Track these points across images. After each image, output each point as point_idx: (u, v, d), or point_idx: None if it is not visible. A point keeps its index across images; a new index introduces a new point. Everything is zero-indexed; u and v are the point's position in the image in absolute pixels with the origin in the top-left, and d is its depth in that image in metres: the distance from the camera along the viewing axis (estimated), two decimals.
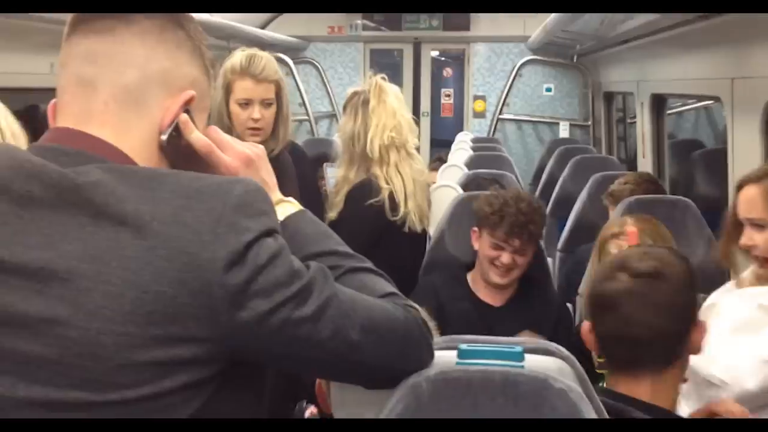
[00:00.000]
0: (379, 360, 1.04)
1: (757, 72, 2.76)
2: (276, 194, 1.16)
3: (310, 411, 2.39)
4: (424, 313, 1.83)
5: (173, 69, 1.04)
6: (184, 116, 1.05)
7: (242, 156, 1.12)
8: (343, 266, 1.10)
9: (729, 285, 1.97)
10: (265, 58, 2.56)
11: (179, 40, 1.05)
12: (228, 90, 2.51)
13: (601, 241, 2.45)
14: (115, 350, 0.89)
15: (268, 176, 1.15)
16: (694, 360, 1.68)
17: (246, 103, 2.50)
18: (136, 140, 1.01)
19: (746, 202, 1.86)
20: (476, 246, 2.57)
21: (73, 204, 0.92)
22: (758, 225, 1.83)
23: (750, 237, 1.84)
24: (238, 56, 2.53)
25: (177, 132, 1.04)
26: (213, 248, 0.91)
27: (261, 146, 1.18)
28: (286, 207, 1.15)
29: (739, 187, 1.91)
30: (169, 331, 0.90)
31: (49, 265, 0.90)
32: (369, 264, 1.14)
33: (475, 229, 2.58)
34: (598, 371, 1.96)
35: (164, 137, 1.03)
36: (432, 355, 1.13)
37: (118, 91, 1.01)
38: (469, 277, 2.60)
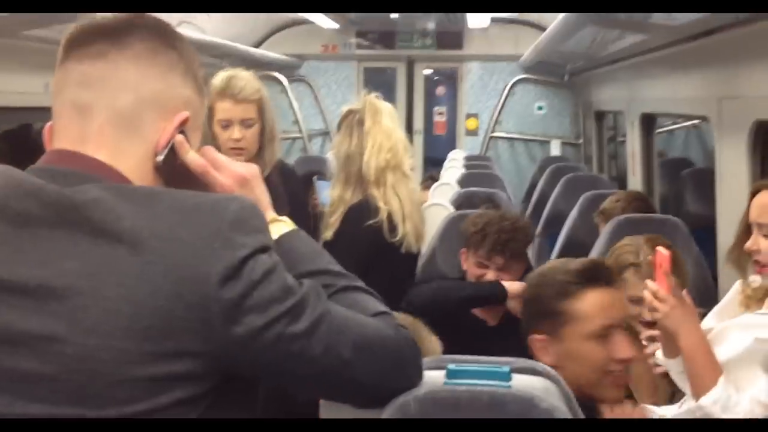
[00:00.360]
0: (370, 377, 1.06)
1: (744, 92, 2.79)
2: (270, 213, 1.17)
3: None
4: (422, 327, 1.86)
5: (166, 91, 1.06)
6: (180, 137, 1.06)
7: (237, 176, 1.14)
8: (335, 285, 1.11)
9: (737, 286, 1.94)
10: (246, 78, 2.55)
11: (171, 61, 1.07)
12: (210, 111, 2.52)
13: (617, 266, 2.27)
14: (113, 366, 0.90)
15: (262, 195, 1.17)
16: (706, 404, 1.69)
17: (226, 124, 2.52)
18: (131, 162, 1.03)
19: (759, 206, 1.86)
20: (464, 267, 2.59)
21: (71, 222, 0.94)
22: (766, 232, 1.83)
23: (755, 241, 1.84)
24: (219, 77, 2.54)
25: (172, 152, 1.06)
26: (209, 263, 0.93)
27: (255, 166, 1.19)
28: (280, 226, 1.17)
29: (754, 192, 1.92)
30: (165, 346, 0.91)
31: (47, 283, 0.92)
32: (360, 283, 1.15)
33: (464, 249, 2.60)
34: None
35: (160, 158, 1.05)
36: (420, 374, 1.14)
37: (113, 115, 1.02)
38: None
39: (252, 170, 1.17)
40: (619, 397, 1.69)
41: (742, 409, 1.68)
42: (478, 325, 2.52)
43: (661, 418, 1.77)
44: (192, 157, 1.09)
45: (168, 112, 1.05)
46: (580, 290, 1.69)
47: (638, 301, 2.09)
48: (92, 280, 0.91)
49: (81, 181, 0.98)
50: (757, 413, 1.67)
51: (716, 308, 1.95)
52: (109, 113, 1.02)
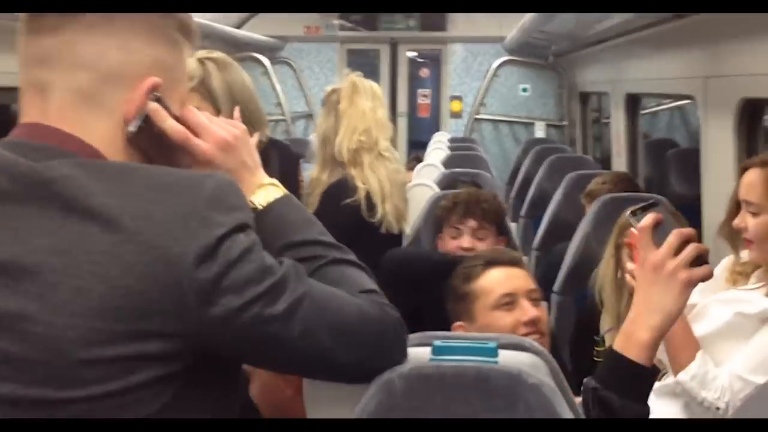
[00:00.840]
0: (349, 360, 1.03)
1: (731, 71, 2.78)
2: (259, 175, 1.13)
3: None
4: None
5: (129, 59, 0.99)
6: (154, 105, 1.01)
7: (219, 141, 1.09)
8: (325, 257, 1.08)
9: (724, 262, 1.96)
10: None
11: (132, 24, 0.99)
12: None
13: (620, 225, 2.37)
14: (82, 345, 0.87)
15: (249, 157, 1.13)
16: (684, 380, 1.71)
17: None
18: (101, 135, 0.98)
19: (747, 184, 1.87)
20: (442, 249, 2.58)
21: (42, 198, 0.91)
22: (753, 210, 1.84)
23: (743, 218, 1.85)
24: None
25: (147, 122, 1.01)
26: (183, 243, 0.90)
27: (241, 125, 1.13)
28: (270, 191, 1.12)
29: (743, 169, 1.93)
30: (137, 326, 0.88)
31: (17, 260, 0.88)
32: (352, 256, 1.12)
33: (439, 234, 2.60)
34: (597, 359, 2.00)
35: (132, 129, 1.00)
36: (405, 354, 1.11)
37: (72, 94, 0.97)
38: None
39: (235, 132, 1.11)
40: None
41: (720, 383, 1.69)
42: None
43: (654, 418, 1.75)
44: (170, 125, 1.04)
45: (134, 81, 0.99)
46: (482, 270, 1.92)
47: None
48: (64, 258, 0.88)
49: (53, 155, 0.94)
50: (736, 388, 1.68)
51: (702, 284, 1.94)
52: (67, 92, 0.97)
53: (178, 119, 1.06)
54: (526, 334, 1.81)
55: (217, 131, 1.09)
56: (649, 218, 1.25)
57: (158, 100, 1.01)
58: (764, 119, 2.99)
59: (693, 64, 3.18)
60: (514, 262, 1.97)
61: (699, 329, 1.76)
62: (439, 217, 2.62)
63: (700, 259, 1.23)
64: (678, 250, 1.22)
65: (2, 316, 0.88)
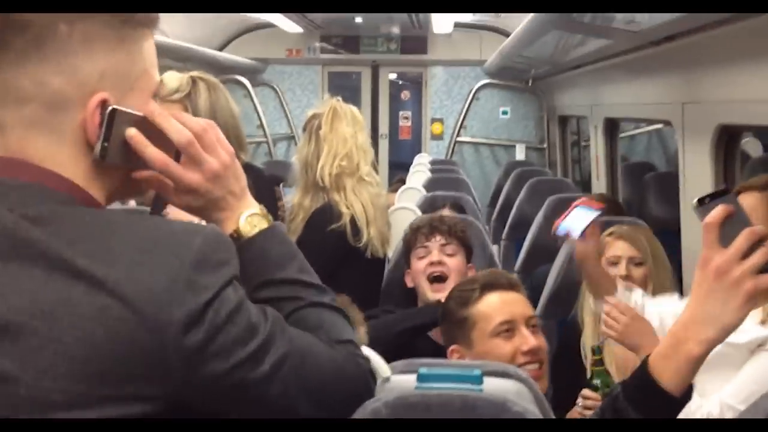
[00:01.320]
0: (319, 413, 1.02)
1: (707, 97, 2.83)
2: (245, 202, 1.08)
3: None
4: (356, 311, 1.85)
5: (70, 81, 0.93)
6: (134, 133, 0.97)
7: (209, 172, 1.04)
8: (305, 299, 1.06)
9: None
10: (171, 77, 2.43)
11: (63, 40, 0.93)
12: None
13: (602, 243, 2.48)
14: (66, 408, 0.86)
15: (236, 184, 1.07)
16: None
17: None
18: (64, 165, 0.95)
19: (746, 209, 1.85)
20: (410, 283, 2.55)
21: (26, 256, 0.88)
22: None
23: None
24: None
25: (108, 141, 0.95)
26: (169, 309, 0.88)
27: (230, 148, 1.07)
28: (255, 221, 1.08)
29: (737, 192, 1.85)
30: (121, 390, 0.87)
31: (0, 321, 0.87)
32: (329, 298, 1.09)
33: (408, 270, 2.57)
34: (593, 369, 2.04)
35: (97, 153, 0.95)
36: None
37: (26, 129, 0.93)
38: None
39: (226, 159, 1.05)
40: (542, 389, 1.75)
41: (705, 411, 1.69)
42: (431, 346, 2.37)
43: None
44: (150, 154, 0.99)
45: (83, 100, 0.94)
46: (480, 295, 1.88)
47: (615, 261, 2.40)
48: (47, 320, 0.86)
49: (32, 197, 0.91)
50: (727, 416, 1.67)
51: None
52: (20, 127, 0.93)
53: (147, 121, 1.00)
54: (525, 363, 1.80)
55: (208, 161, 1.03)
56: (718, 211, 1.08)
57: (113, 112, 0.95)
58: (741, 144, 3.04)
59: (670, 90, 3.23)
60: (512, 286, 1.92)
61: None
62: (405, 250, 2.59)
63: None
64: (747, 253, 1.06)
65: None
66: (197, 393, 0.91)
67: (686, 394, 1.14)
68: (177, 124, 1.01)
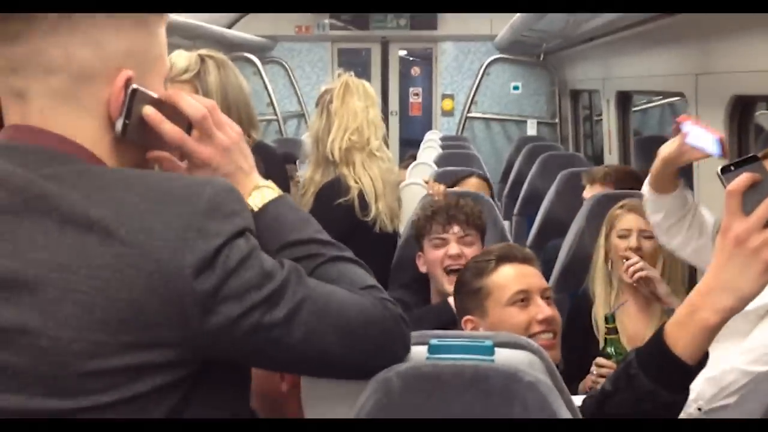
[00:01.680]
0: (353, 359, 1.04)
1: (721, 67, 2.80)
2: (253, 178, 1.13)
3: None
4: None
5: (98, 55, 0.96)
6: (152, 111, 1.00)
7: (220, 145, 1.08)
8: (323, 255, 1.08)
9: None
10: (180, 56, 2.38)
11: (93, 18, 0.96)
12: None
13: (611, 216, 2.51)
14: (88, 357, 0.88)
15: (244, 160, 1.12)
16: (695, 389, 1.68)
17: None
18: (86, 137, 0.97)
19: None
20: (423, 268, 2.49)
21: (39, 211, 0.90)
22: None
23: None
24: None
25: (131, 118, 0.98)
26: (181, 255, 0.90)
27: (238, 128, 1.12)
28: (265, 192, 1.12)
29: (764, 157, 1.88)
30: (140, 337, 0.89)
31: (17, 275, 0.88)
32: (349, 253, 1.12)
33: (419, 254, 2.52)
34: (607, 337, 2.06)
35: (118, 128, 0.98)
36: (407, 351, 1.12)
37: (49, 98, 0.96)
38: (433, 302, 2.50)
39: (233, 135, 1.11)
40: (555, 358, 1.80)
41: (727, 382, 1.67)
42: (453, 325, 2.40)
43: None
44: (166, 129, 1.03)
45: (108, 76, 0.97)
46: (495, 266, 1.90)
47: (626, 235, 2.42)
48: (63, 272, 0.88)
49: (49, 159, 0.94)
50: (729, 379, 1.66)
51: None
52: (45, 97, 0.96)
53: (162, 102, 1.03)
54: (539, 332, 1.82)
55: (219, 136, 1.08)
56: (742, 179, 1.06)
57: (134, 92, 0.98)
58: (755, 116, 3.01)
59: (683, 61, 3.19)
60: (527, 260, 1.95)
61: None
62: (416, 233, 2.53)
63: None
64: None
65: (6, 330, 0.88)
66: (216, 338, 0.92)
67: (700, 363, 1.13)
68: (191, 100, 1.06)
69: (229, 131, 1.10)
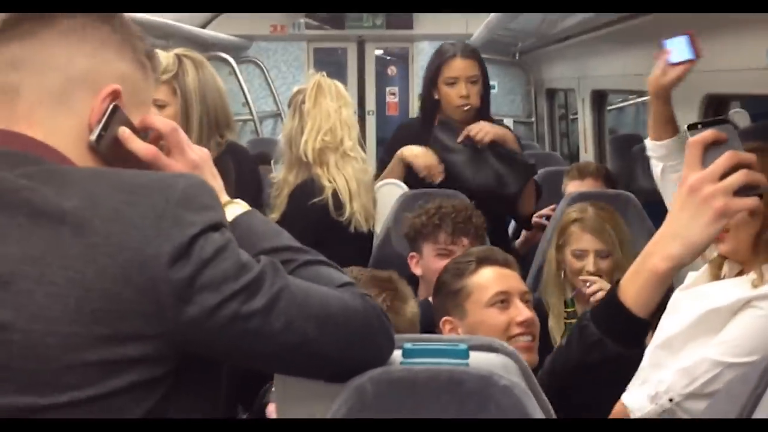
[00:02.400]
0: (336, 351, 1.03)
1: (694, 66, 2.81)
2: (223, 197, 1.15)
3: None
4: (405, 285, 1.85)
5: (98, 67, 1.02)
6: (125, 130, 1.03)
7: (189, 162, 1.12)
8: (297, 260, 1.09)
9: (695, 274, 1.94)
10: (158, 55, 2.39)
11: (104, 36, 1.03)
12: None
13: (563, 224, 2.50)
14: (61, 351, 0.87)
15: (213, 180, 1.14)
16: (666, 381, 1.68)
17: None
18: (68, 140, 0.99)
19: None
20: (418, 270, 2.43)
21: (12, 205, 0.90)
22: None
23: None
24: None
25: (106, 131, 1.01)
26: (157, 243, 0.90)
27: (206, 150, 1.16)
28: (234, 208, 1.14)
29: None
30: (115, 329, 0.88)
31: None
32: (323, 257, 1.13)
33: (413, 253, 2.46)
34: (567, 322, 2.11)
35: (93, 138, 1.01)
36: (392, 345, 1.12)
37: (42, 95, 0.99)
38: None
39: (203, 154, 1.15)
40: (531, 362, 1.79)
41: (694, 374, 1.67)
42: None
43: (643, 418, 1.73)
44: (139, 146, 1.06)
45: (100, 87, 1.02)
46: (476, 268, 1.91)
47: (581, 255, 2.39)
48: (36, 265, 0.88)
49: (20, 161, 0.94)
50: (702, 370, 1.65)
51: (684, 284, 1.92)
52: (38, 93, 0.99)
53: (136, 132, 1.07)
54: (518, 335, 1.82)
55: (189, 152, 1.11)
56: (707, 133, 1.08)
57: (116, 108, 1.02)
58: (729, 113, 3.03)
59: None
60: (507, 263, 1.96)
61: (668, 327, 1.76)
62: (414, 233, 2.46)
63: (751, 190, 1.06)
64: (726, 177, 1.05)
65: None
66: (193, 330, 0.91)
67: (651, 318, 1.15)
68: (160, 117, 1.13)
69: (198, 150, 1.14)
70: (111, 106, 1.02)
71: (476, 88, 3.09)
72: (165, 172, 1.04)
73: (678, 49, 1.94)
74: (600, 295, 2.25)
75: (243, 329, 0.94)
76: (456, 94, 3.05)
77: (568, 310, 2.10)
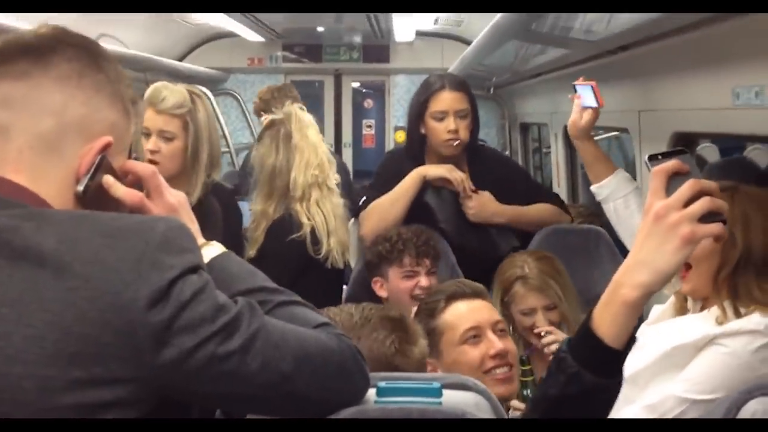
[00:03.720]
0: (314, 391, 1.04)
1: (662, 105, 2.88)
2: (198, 239, 1.15)
3: None
4: (416, 324, 1.86)
5: (91, 115, 1.03)
6: (109, 178, 1.04)
7: (168, 206, 1.14)
8: (272, 301, 1.10)
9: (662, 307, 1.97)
10: (172, 90, 2.48)
11: (98, 84, 1.04)
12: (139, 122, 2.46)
13: (505, 282, 2.49)
14: (37, 395, 0.87)
15: (190, 223, 1.16)
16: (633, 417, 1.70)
17: (146, 134, 2.46)
18: (53, 186, 1.00)
19: None
20: (383, 293, 2.53)
21: None
22: None
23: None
24: (150, 87, 2.50)
25: (93, 180, 1.03)
26: (135, 287, 0.90)
27: (182, 193, 1.19)
28: (210, 250, 1.16)
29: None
30: (91, 372, 0.88)
31: None
32: (297, 298, 1.14)
33: (377, 278, 2.55)
34: (522, 379, 2.08)
35: (80, 188, 1.02)
36: (367, 383, 1.13)
37: (33, 139, 0.99)
38: None
39: (180, 198, 1.17)
40: (511, 393, 1.85)
41: (658, 409, 1.69)
42: None
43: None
44: (123, 193, 1.07)
45: (92, 136, 1.03)
46: (445, 305, 1.91)
47: (529, 312, 2.40)
48: (15, 307, 0.88)
49: (3, 205, 0.95)
50: (667, 406, 1.68)
51: (650, 319, 1.95)
52: (29, 136, 0.99)
53: (119, 178, 1.08)
54: (494, 368, 1.83)
55: (167, 195, 1.14)
56: (670, 163, 1.10)
57: (103, 159, 1.04)
58: (697, 150, 3.10)
59: (626, 99, 3.28)
60: (477, 294, 1.96)
61: (634, 363, 1.77)
62: (379, 260, 2.55)
63: (714, 217, 1.08)
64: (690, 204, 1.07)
65: None
66: (170, 373, 0.92)
67: (627, 347, 1.15)
68: (141, 162, 1.14)
69: (175, 193, 1.16)
70: (99, 158, 1.03)
71: (465, 122, 2.93)
72: (145, 216, 1.05)
73: (586, 95, 2.06)
74: (554, 347, 2.23)
75: (220, 370, 0.95)
76: (444, 129, 2.87)
77: (524, 368, 2.07)
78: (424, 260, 2.50)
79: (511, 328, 2.43)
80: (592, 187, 2.19)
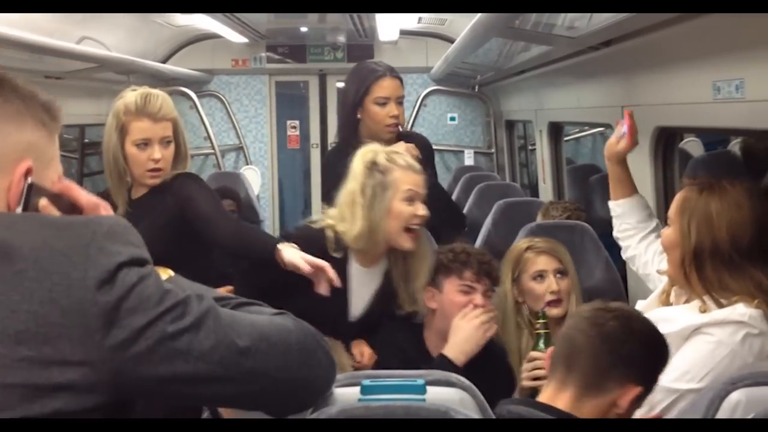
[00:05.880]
0: (275, 370, 1.02)
1: (645, 100, 2.89)
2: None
3: None
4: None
5: (3, 143, 1.00)
6: (44, 200, 1.03)
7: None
8: (230, 303, 1.10)
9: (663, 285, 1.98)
10: (161, 96, 2.53)
11: (1, 107, 1.01)
12: (123, 132, 2.45)
13: (515, 255, 2.55)
14: None
15: None
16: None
17: (145, 144, 2.46)
18: None
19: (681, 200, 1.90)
20: (433, 304, 2.43)
21: None
22: (669, 223, 1.92)
23: (665, 232, 1.94)
24: (132, 96, 2.48)
25: (27, 209, 1.02)
26: (84, 268, 0.91)
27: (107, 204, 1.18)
28: (160, 273, 1.14)
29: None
30: (41, 352, 0.88)
31: None
32: (258, 302, 1.14)
33: (430, 287, 2.45)
34: (539, 332, 2.21)
35: None
36: (333, 365, 1.12)
37: None
38: (426, 336, 2.46)
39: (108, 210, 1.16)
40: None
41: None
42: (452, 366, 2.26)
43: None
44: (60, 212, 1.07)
45: (9, 165, 1.01)
46: None
47: (540, 277, 2.48)
48: None
49: None
50: (656, 399, 1.69)
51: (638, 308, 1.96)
52: None
53: (58, 196, 1.07)
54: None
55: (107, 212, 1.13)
56: None
57: (31, 185, 1.01)
58: (682, 144, 3.11)
59: (610, 94, 3.29)
60: None
61: None
62: (437, 268, 2.46)
63: None
64: None
65: None
66: (122, 354, 0.92)
67: None
68: (87, 193, 1.11)
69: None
70: (26, 186, 1.01)
71: (402, 108, 3.05)
72: (91, 215, 1.05)
73: (624, 127, 2.31)
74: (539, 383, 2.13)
75: (172, 348, 0.94)
76: (386, 114, 2.96)
77: (541, 321, 2.20)
78: (484, 279, 2.41)
79: (521, 309, 2.49)
80: (610, 203, 2.35)
